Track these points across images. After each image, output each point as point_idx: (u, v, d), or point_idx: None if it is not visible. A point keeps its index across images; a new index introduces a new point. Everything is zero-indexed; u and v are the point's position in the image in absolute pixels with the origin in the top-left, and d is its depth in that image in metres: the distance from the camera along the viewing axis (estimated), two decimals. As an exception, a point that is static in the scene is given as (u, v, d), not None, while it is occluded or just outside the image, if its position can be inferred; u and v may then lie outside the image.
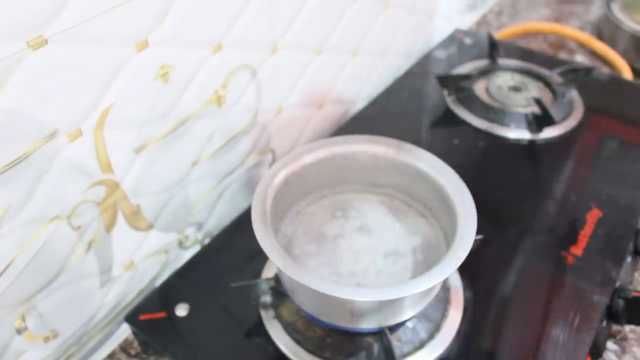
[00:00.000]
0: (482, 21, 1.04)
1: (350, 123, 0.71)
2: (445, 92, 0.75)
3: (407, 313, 0.44)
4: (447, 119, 0.72)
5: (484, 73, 0.78)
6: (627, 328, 0.53)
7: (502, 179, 0.62)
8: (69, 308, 0.46)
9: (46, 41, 0.35)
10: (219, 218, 0.60)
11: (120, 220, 0.47)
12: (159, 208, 0.51)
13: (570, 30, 0.93)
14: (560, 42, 0.95)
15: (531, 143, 0.67)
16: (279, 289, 0.49)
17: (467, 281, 0.51)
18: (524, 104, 0.71)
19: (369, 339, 0.47)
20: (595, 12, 1.03)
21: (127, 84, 0.42)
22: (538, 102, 0.68)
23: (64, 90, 0.37)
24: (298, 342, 0.47)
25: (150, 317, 0.50)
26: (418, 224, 0.50)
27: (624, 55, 0.87)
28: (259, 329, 0.48)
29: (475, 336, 0.47)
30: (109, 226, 0.46)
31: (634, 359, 0.50)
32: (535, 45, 0.94)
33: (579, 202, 0.58)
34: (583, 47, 0.93)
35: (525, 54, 0.84)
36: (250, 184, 0.62)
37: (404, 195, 0.52)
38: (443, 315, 0.48)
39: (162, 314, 0.50)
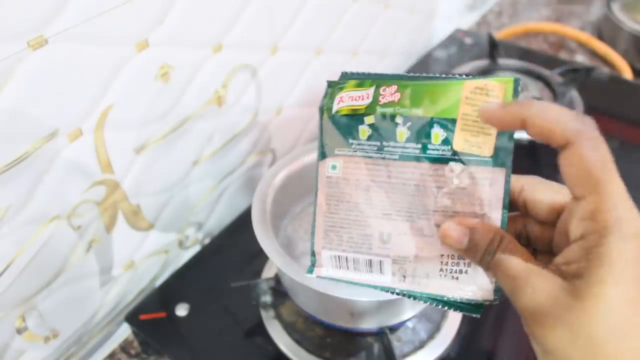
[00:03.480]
0: (482, 21, 1.04)
1: (350, 123, 0.71)
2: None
3: (407, 313, 0.44)
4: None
5: (484, 73, 0.78)
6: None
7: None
8: (69, 308, 0.46)
9: (46, 41, 0.35)
10: (219, 218, 0.60)
11: (121, 220, 0.47)
12: (159, 208, 0.51)
13: (570, 30, 0.93)
14: (560, 42, 0.95)
15: (531, 143, 0.67)
16: (279, 289, 0.49)
17: (467, 281, 0.51)
18: (524, 104, 0.71)
19: (369, 339, 0.47)
20: (595, 12, 1.03)
21: (127, 84, 0.42)
22: (538, 102, 0.68)
23: (64, 90, 0.37)
24: (298, 342, 0.47)
25: (150, 317, 0.50)
26: (418, 224, 0.50)
27: (624, 55, 0.87)
28: (259, 329, 0.48)
29: (475, 336, 0.47)
30: (109, 226, 0.46)
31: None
32: (535, 45, 0.94)
33: (579, 202, 0.58)
34: (583, 47, 0.93)
35: (525, 54, 0.84)
36: (250, 184, 0.62)
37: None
38: (443, 315, 0.48)
39: (162, 314, 0.50)
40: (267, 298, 0.49)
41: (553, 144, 0.24)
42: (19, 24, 0.33)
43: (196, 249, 0.58)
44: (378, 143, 0.28)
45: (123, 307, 0.52)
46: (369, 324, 0.43)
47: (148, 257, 0.52)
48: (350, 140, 0.29)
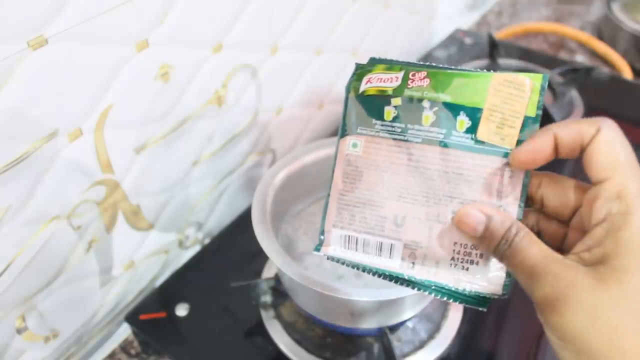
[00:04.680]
0: (482, 21, 1.04)
1: (350, 123, 0.71)
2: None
3: (408, 313, 0.44)
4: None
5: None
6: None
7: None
8: (69, 308, 0.46)
9: (46, 41, 0.35)
10: (219, 218, 0.60)
11: (121, 220, 0.47)
12: (159, 208, 0.51)
13: (570, 30, 0.93)
14: (560, 42, 0.95)
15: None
16: (279, 289, 0.49)
17: (467, 281, 0.51)
18: (524, 104, 0.71)
19: (369, 339, 0.47)
20: (595, 12, 1.03)
21: (127, 84, 0.42)
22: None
23: (64, 90, 0.37)
24: (298, 342, 0.47)
25: (150, 317, 0.50)
26: (418, 224, 0.50)
27: (624, 55, 0.87)
28: (259, 329, 0.48)
29: (475, 336, 0.47)
30: (109, 226, 0.46)
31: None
32: (535, 45, 0.94)
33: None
34: (583, 47, 0.93)
35: (525, 54, 0.84)
36: (250, 184, 0.62)
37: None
38: (443, 315, 0.48)
39: (162, 314, 0.50)
40: (267, 298, 0.49)
41: (585, 141, 0.25)
42: (19, 24, 0.33)
43: (196, 249, 0.58)
44: (402, 125, 0.29)
45: (123, 307, 0.52)
46: (369, 324, 0.43)
47: (148, 257, 0.52)
48: (374, 121, 0.29)
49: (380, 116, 0.29)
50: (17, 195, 0.37)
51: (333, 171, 0.31)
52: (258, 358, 0.47)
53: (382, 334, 0.44)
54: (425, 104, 0.28)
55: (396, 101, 0.29)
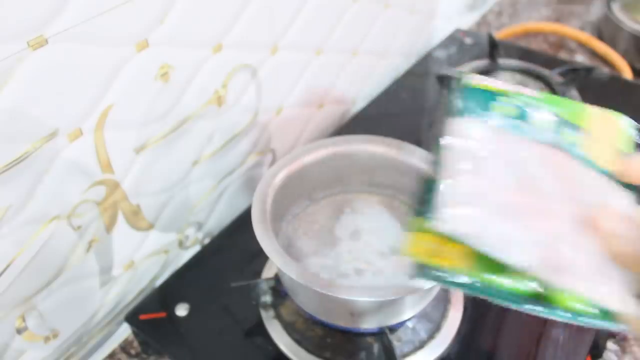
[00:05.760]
0: (482, 21, 1.04)
1: (350, 123, 0.71)
2: (446, 92, 0.75)
3: (407, 313, 0.44)
4: (447, 119, 0.72)
5: (484, 73, 0.77)
6: (627, 328, 0.52)
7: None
8: (69, 308, 0.46)
9: (46, 41, 0.35)
10: (219, 218, 0.60)
11: (121, 220, 0.47)
12: (159, 208, 0.51)
13: (570, 30, 0.93)
14: (560, 42, 0.95)
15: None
16: (279, 289, 0.49)
17: (467, 281, 0.51)
18: (524, 104, 0.71)
19: (369, 339, 0.47)
20: (595, 12, 1.03)
21: (127, 84, 0.42)
22: (538, 102, 0.68)
23: (64, 90, 0.37)
24: (298, 342, 0.47)
25: (150, 317, 0.50)
26: (418, 224, 0.50)
27: (624, 55, 0.87)
28: (259, 329, 0.48)
29: (475, 336, 0.47)
30: (109, 226, 0.46)
31: (634, 359, 0.50)
32: (535, 45, 0.94)
33: (579, 202, 0.58)
34: (583, 47, 0.93)
35: (525, 54, 0.84)
36: (250, 184, 0.62)
37: (404, 195, 0.52)
38: (443, 315, 0.48)
39: (162, 314, 0.50)
40: (267, 298, 0.49)
41: None
42: (19, 24, 0.33)
43: (196, 249, 0.58)
44: (512, 122, 0.28)
45: (123, 307, 0.52)
46: (369, 324, 0.43)
47: (148, 257, 0.52)
48: (481, 111, 0.29)
49: (486, 108, 0.29)
50: (17, 195, 0.37)
51: (438, 160, 0.28)
52: (258, 358, 0.47)
53: (382, 334, 0.44)
54: (532, 109, 0.29)
55: (504, 99, 0.29)
